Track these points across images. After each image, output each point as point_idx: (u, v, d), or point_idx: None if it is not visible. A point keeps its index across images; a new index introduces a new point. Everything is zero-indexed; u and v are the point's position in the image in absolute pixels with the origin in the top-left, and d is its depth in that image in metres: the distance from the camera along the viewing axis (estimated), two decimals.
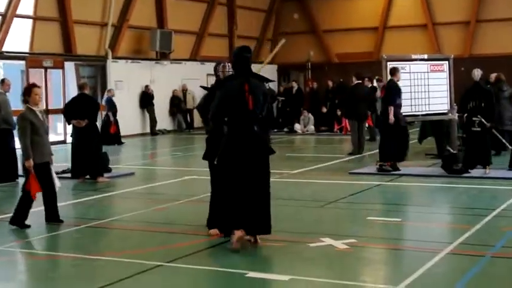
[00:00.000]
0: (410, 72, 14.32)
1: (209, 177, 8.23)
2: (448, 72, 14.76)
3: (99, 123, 14.59)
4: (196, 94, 24.88)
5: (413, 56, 14.79)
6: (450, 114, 14.42)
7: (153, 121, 25.13)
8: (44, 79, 21.82)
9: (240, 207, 7.42)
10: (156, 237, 8.26)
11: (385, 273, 6.75)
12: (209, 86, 9.36)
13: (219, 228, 7.87)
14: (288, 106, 26.27)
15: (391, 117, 13.18)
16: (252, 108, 7.48)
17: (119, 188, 12.46)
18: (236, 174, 7.47)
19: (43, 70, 21.79)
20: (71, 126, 13.52)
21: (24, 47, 21.55)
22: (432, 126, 15.44)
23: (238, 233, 7.37)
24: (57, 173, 13.58)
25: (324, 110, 24.94)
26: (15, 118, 11.19)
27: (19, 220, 8.84)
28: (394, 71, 13.58)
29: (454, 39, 28.84)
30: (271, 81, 8.49)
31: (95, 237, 8.52)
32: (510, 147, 14.02)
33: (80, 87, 13.73)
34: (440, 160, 13.31)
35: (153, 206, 10.32)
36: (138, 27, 25.40)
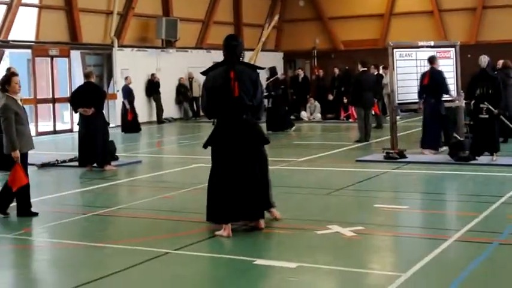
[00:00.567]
0: (416, 59, 14.29)
1: None
2: (454, 59, 14.71)
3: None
4: (202, 82, 24.78)
5: (420, 43, 14.73)
6: (457, 101, 14.37)
7: (160, 109, 25.14)
8: (50, 68, 21.89)
9: (231, 197, 7.43)
10: (163, 225, 8.28)
11: (393, 260, 6.76)
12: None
13: (212, 218, 7.77)
14: (295, 94, 26.26)
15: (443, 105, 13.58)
16: (237, 94, 7.46)
17: (126, 176, 12.50)
18: (226, 163, 7.49)
19: (49, 59, 21.83)
20: (77, 114, 13.54)
21: (30, 36, 21.54)
22: None
23: (227, 230, 7.39)
24: (64, 162, 13.75)
25: (330, 97, 24.88)
26: None
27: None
28: (433, 60, 13.67)
29: (460, 26, 28.71)
30: (262, 68, 8.36)
31: (102, 225, 8.54)
32: None
33: (86, 75, 13.73)
34: (447, 147, 13.29)
35: (160, 194, 10.34)
36: (144, 15, 25.37)
